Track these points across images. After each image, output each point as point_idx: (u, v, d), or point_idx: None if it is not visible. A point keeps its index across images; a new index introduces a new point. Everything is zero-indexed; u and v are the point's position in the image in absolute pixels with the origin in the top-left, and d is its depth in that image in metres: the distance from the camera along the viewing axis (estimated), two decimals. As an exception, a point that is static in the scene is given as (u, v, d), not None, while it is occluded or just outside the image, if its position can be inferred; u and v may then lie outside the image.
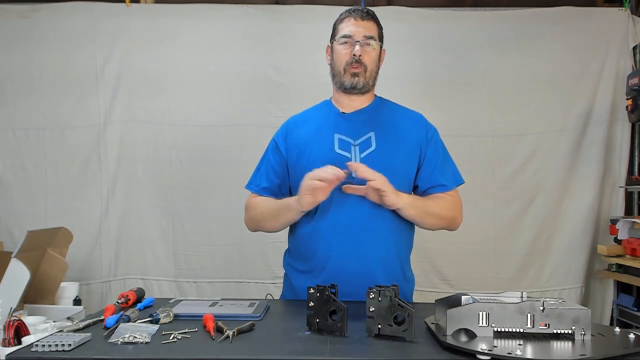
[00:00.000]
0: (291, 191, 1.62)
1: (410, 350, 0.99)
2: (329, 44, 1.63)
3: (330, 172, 1.37)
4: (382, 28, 1.61)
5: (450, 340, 0.98)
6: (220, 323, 1.12)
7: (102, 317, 1.19)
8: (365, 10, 1.58)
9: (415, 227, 1.62)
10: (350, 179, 1.48)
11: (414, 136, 1.58)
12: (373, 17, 1.59)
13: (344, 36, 1.56)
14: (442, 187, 1.57)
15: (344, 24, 1.58)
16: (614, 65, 2.90)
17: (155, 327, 1.13)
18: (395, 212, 1.52)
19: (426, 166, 1.57)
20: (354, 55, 1.53)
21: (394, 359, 0.96)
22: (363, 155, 1.52)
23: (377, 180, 1.39)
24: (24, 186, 2.87)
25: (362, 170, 1.39)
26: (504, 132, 2.91)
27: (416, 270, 1.67)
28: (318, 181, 1.37)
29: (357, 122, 1.57)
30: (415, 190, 1.61)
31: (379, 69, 1.61)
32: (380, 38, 1.60)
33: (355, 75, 1.55)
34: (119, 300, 1.36)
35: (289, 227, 1.65)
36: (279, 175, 1.63)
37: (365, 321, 1.09)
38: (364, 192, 1.45)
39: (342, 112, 1.61)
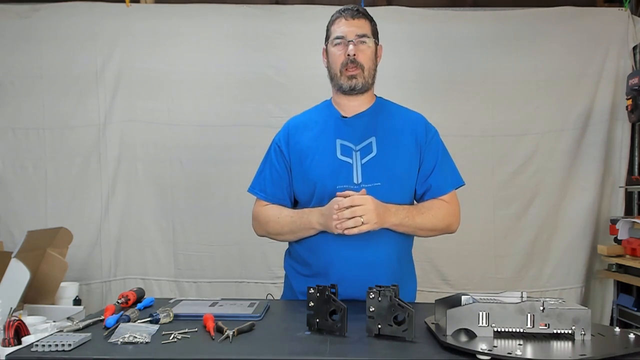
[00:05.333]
0: (294, 195, 1.62)
1: (410, 350, 0.99)
2: (324, 47, 1.63)
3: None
4: (375, 24, 1.60)
5: (450, 340, 0.98)
6: (220, 323, 1.12)
7: (102, 317, 1.19)
8: (355, 9, 1.56)
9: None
10: (352, 184, 1.49)
11: (414, 138, 1.57)
12: (364, 15, 1.57)
13: (337, 37, 1.55)
14: (439, 191, 1.56)
15: (336, 25, 1.57)
16: (614, 65, 2.90)
17: (155, 327, 1.13)
18: None
19: (424, 168, 1.57)
20: (349, 55, 1.52)
21: (394, 359, 0.96)
22: (364, 161, 1.51)
23: (352, 229, 1.37)
24: (24, 186, 2.87)
25: (344, 217, 1.37)
26: (504, 132, 2.91)
27: (416, 271, 1.66)
28: (350, 217, 1.37)
29: (358, 127, 1.56)
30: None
31: (376, 65, 1.60)
32: (375, 34, 1.59)
33: (352, 77, 1.54)
34: (119, 300, 1.36)
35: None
36: (284, 179, 1.61)
37: (365, 321, 1.09)
38: None
39: (343, 117, 1.59)
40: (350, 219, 1.37)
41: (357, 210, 1.37)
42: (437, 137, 1.61)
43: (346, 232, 1.38)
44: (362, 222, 1.37)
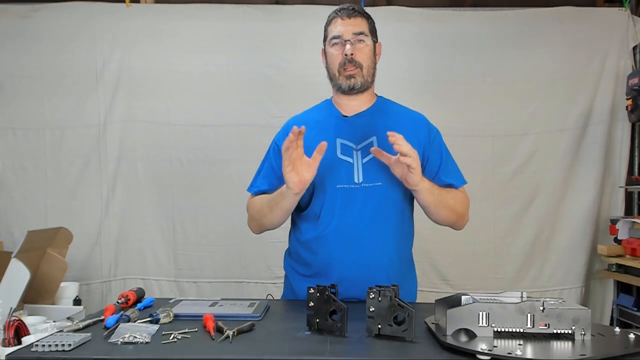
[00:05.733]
0: None
1: (410, 350, 0.99)
2: (323, 48, 1.62)
3: (288, 139, 1.34)
4: (373, 22, 1.59)
5: (450, 340, 0.98)
6: (220, 323, 1.12)
7: (102, 317, 1.18)
8: (351, 8, 1.55)
9: (414, 227, 1.62)
10: (353, 184, 1.49)
11: (417, 139, 1.54)
12: (361, 13, 1.56)
13: (334, 37, 1.54)
14: (448, 186, 1.55)
15: (332, 25, 1.56)
16: (614, 65, 2.90)
17: (155, 327, 1.13)
18: (397, 216, 1.52)
19: (429, 167, 1.55)
20: (346, 55, 1.51)
21: (394, 359, 0.96)
22: (365, 160, 1.50)
23: (412, 156, 1.34)
24: (24, 186, 2.88)
25: (400, 143, 1.33)
26: (504, 132, 2.91)
27: (416, 270, 1.66)
28: (288, 161, 1.35)
29: (358, 126, 1.55)
30: None
31: (375, 64, 1.59)
32: (373, 32, 1.57)
33: (350, 77, 1.53)
34: (119, 300, 1.36)
35: (290, 229, 1.64)
36: (280, 178, 1.57)
37: (365, 321, 1.09)
38: (389, 162, 1.41)
39: (344, 116, 1.58)
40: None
41: (411, 150, 1.34)
42: (439, 137, 1.60)
43: (402, 159, 1.33)
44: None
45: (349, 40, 1.52)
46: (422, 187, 1.43)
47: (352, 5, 1.57)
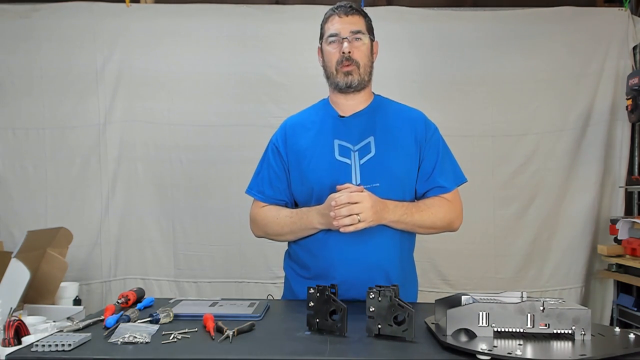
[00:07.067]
0: (293, 196, 1.60)
1: (410, 350, 0.99)
2: (319, 46, 1.61)
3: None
4: (370, 20, 1.58)
5: (450, 340, 0.98)
6: (220, 323, 1.12)
7: (102, 317, 1.19)
8: (348, 6, 1.55)
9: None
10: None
11: (414, 137, 1.55)
12: (358, 11, 1.55)
13: (331, 35, 1.53)
14: (440, 189, 1.54)
15: (329, 23, 1.55)
16: (614, 65, 2.90)
17: (155, 327, 1.13)
18: None
19: (425, 166, 1.55)
20: (344, 53, 1.50)
21: (394, 359, 0.96)
22: (362, 161, 1.50)
23: (349, 227, 1.36)
24: (24, 186, 2.87)
25: (336, 222, 1.36)
26: (504, 132, 2.91)
27: (417, 270, 1.66)
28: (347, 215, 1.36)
29: (356, 127, 1.55)
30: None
31: (372, 62, 1.58)
32: (370, 30, 1.57)
33: (348, 74, 1.52)
34: (119, 300, 1.36)
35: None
36: (282, 180, 1.59)
37: (365, 321, 1.09)
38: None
39: (341, 116, 1.57)
40: (347, 216, 1.36)
41: (354, 208, 1.35)
42: (437, 134, 1.59)
43: (342, 229, 1.37)
44: (359, 220, 1.36)
45: (346, 38, 1.51)
46: (387, 222, 1.45)
47: (349, 2, 1.57)
